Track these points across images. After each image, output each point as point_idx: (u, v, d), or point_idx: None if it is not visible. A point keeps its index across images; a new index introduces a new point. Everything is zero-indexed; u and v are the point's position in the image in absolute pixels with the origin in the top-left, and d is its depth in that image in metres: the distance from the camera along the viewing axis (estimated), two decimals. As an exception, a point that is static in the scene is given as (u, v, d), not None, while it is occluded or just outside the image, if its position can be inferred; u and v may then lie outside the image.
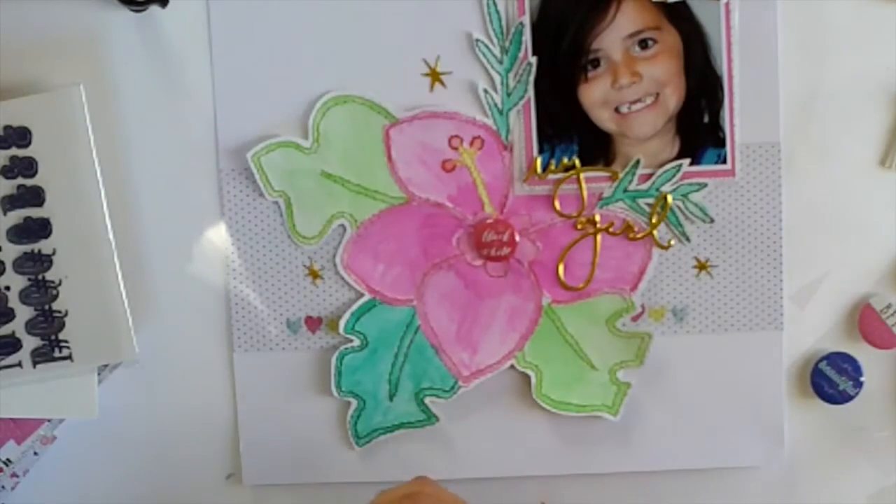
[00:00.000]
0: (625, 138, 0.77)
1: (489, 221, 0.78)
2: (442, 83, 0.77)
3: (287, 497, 0.82)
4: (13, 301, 0.75)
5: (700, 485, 0.81)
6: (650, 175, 0.78)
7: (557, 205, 0.78)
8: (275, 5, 0.77)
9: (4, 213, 0.75)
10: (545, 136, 0.78)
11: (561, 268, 0.79)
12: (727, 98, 0.77)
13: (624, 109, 0.77)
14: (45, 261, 0.75)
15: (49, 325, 0.76)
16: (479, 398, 0.80)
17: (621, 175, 0.78)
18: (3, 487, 0.79)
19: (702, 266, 0.79)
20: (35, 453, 0.79)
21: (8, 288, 0.75)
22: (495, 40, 0.77)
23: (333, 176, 0.78)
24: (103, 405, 0.78)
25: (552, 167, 0.77)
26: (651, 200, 0.78)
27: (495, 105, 0.77)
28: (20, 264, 0.75)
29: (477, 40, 0.77)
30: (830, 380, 0.79)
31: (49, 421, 0.78)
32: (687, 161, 0.77)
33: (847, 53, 0.77)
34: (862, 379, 0.79)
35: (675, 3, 0.76)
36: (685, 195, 0.78)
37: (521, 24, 0.76)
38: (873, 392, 0.80)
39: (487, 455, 0.81)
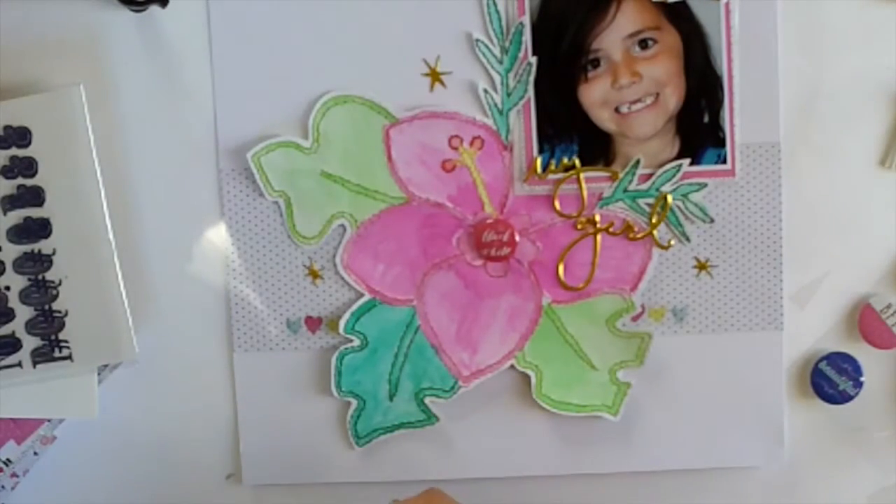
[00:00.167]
0: (625, 138, 0.77)
1: (489, 221, 0.78)
2: (442, 83, 0.78)
3: (287, 497, 0.82)
4: (13, 301, 0.75)
5: (700, 485, 0.81)
6: (650, 175, 0.78)
7: (557, 205, 0.78)
8: (275, 6, 0.77)
9: (4, 213, 0.75)
10: (545, 136, 0.78)
11: (561, 268, 0.79)
12: (727, 98, 0.77)
13: (624, 109, 0.77)
14: (45, 261, 0.75)
15: (49, 325, 0.76)
16: (479, 398, 0.80)
17: (621, 175, 0.78)
18: (3, 487, 0.79)
19: (702, 266, 0.79)
20: (35, 453, 0.79)
21: (8, 288, 0.75)
22: (495, 40, 0.77)
23: (333, 176, 0.78)
24: (103, 405, 0.78)
25: (552, 167, 0.77)
26: (651, 200, 0.78)
27: (495, 105, 0.77)
28: (20, 264, 0.75)
29: (477, 40, 0.77)
30: (830, 380, 0.79)
31: (49, 421, 0.78)
32: (687, 161, 0.77)
33: (847, 53, 0.77)
34: (862, 379, 0.79)
35: (675, 3, 0.76)
36: (685, 195, 0.78)
37: (521, 24, 0.76)
38: (873, 392, 0.80)
39: (487, 455, 0.81)
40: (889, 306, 0.78)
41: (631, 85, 0.77)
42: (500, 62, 0.77)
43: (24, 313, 0.76)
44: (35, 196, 0.75)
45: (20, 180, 0.75)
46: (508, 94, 0.77)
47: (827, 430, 0.81)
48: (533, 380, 0.79)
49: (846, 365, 0.79)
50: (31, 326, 0.76)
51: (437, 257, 0.79)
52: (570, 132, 0.78)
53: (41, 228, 0.75)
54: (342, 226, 0.79)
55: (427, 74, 0.78)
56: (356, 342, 0.79)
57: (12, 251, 0.75)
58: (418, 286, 0.79)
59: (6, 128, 0.75)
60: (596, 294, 0.79)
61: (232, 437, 0.81)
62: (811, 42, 0.77)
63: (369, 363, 0.80)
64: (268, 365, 0.80)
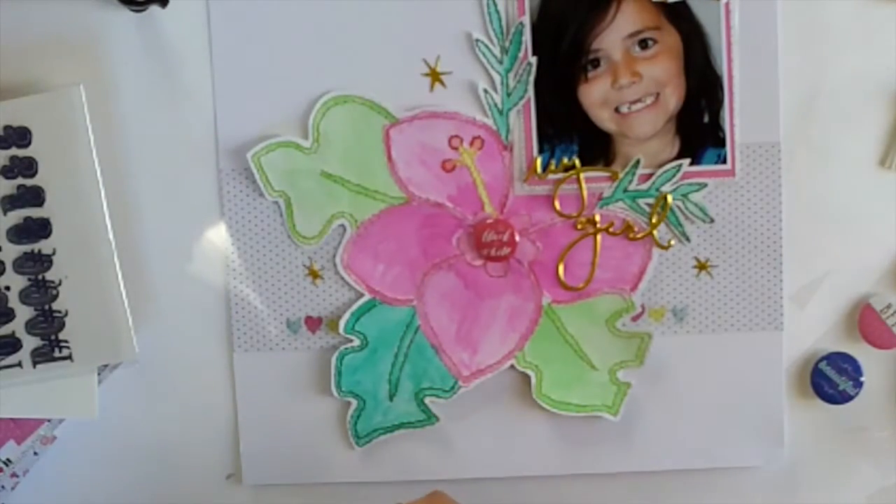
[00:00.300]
0: (625, 138, 0.77)
1: (489, 221, 0.78)
2: (442, 83, 0.78)
3: (287, 497, 0.82)
4: (13, 301, 0.75)
5: (700, 485, 0.81)
6: (650, 175, 0.78)
7: (557, 205, 0.78)
8: (275, 5, 0.77)
9: (4, 213, 0.75)
10: (545, 136, 0.78)
11: (561, 268, 0.79)
12: (727, 98, 0.77)
13: (624, 109, 0.77)
14: (45, 261, 0.75)
15: (49, 325, 0.76)
16: (479, 398, 0.80)
17: (621, 175, 0.78)
18: (3, 487, 0.79)
19: (702, 266, 0.79)
20: (35, 453, 0.79)
21: (8, 288, 0.75)
22: (495, 40, 0.77)
23: (333, 176, 0.78)
24: (103, 405, 0.78)
25: (552, 167, 0.77)
26: (651, 200, 0.78)
27: (495, 105, 0.77)
28: (20, 264, 0.75)
29: (477, 40, 0.77)
30: (830, 380, 0.79)
31: (49, 421, 0.78)
32: (687, 161, 0.77)
33: (847, 53, 0.77)
34: (862, 379, 0.79)
35: (675, 3, 0.76)
36: (685, 195, 0.78)
37: (521, 24, 0.76)
38: (873, 392, 0.80)
39: (487, 455, 0.81)
40: (889, 306, 0.78)
41: (631, 85, 0.77)
42: (500, 62, 0.77)
43: (24, 313, 0.76)
44: (35, 196, 0.75)
45: (20, 180, 0.75)
46: (508, 94, 0.77)
47: (827, 430, 0.81)
48: (533, 380, 0.79)
49: (846, 365, 0.79)
50: (31, 326, 0.76)
51: (437, 257, 0.79)
52: (570, 132, 0.78)
53: (41, 228, 0.75)
54: (342, 226, 0.79)
55: (427, 74, 0.78)
56: (356, 342, 0.79)
57: (12, 251, 0.75)
58: (418, 286, 0.79)
59: (6, 128, 0.75)
60: (596, 294, 0.79)
61: (232, 437, 0.81)
62: (811, 42, 0.77)
63: (369, 363, 0.80)
64: (268, 365, 0.80)
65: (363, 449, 0.81)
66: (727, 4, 0.76)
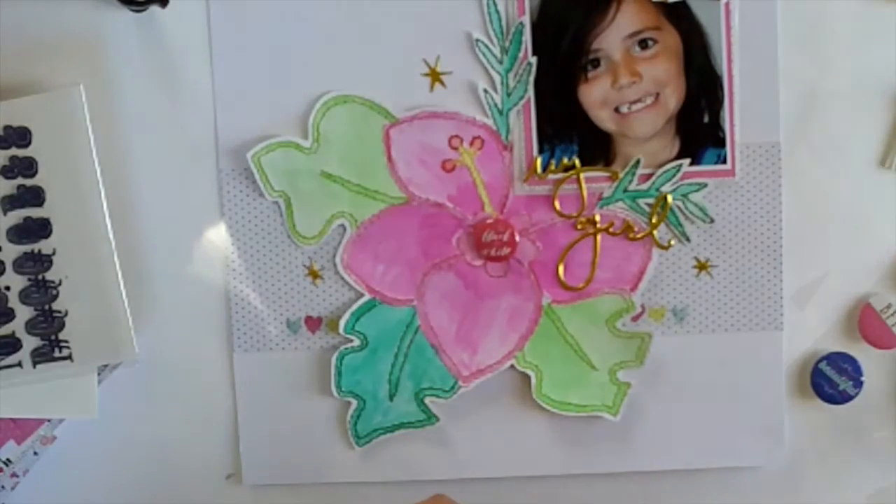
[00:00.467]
0: (625, 138, 0.77)
1: (489, 221, 0.78)
2: (442, 83, 0.78)
3: (287, 497, 0.82)
4: (13, 301, 0.75)
5: (700, 485, 0.81)
6: (650, 175, 0.78)
7: (557, 205, 0.78)
8: (275, 6, 0.77)
9: (4, 213, 0.75)
10: (545, 136, 0.78)
11: (561, 268, 0.79)
12: (727, 98, 0.77)
13: (624, 109, 0.77)
14: (45, 261, 0.75)
15: (49, 325, 0.76)
16: (479, 398, 0.80)
17: (621, 175, 0.78)
18: (3, 487, 0.79)
19: (702, 266, 0.79)
20: (35, 453, 0.79)
21: (8, 288, 0.75)
22: (495, 40, 0.77)
23: (333, 176, 0.78)
24: (103, 405, 0.78)
25: (552, 167, 0.77)
26: (651, 200, 0.78)
27: (495, 105, 0.77)
28: (20, 264, 0.75)
29: (477, 40, 0.77)
30: (830, 380, 0.79)
31: (49, 421, 0.78)
32: (687, 161, 0.77)
33: (847, 53, 0.77)
34: (862, 379, 0.79)
35: (675, 3, 0.76)
36: (685, 195, 0.78)
37: (521, 24, 0.76)
38: (873, 392, 0.80)
39: (487, 455, 0.81)
40: (889, 306, 0.78)
41: (631, 85, 0.77)
42: (500, 62, 0.77)
43: (24, 313, 0.76)
44: (35, 196, 0.75)
45: (20, 180, 0.75)
46: (508, 94, 0.77)
47: (827, 430, 0.81)
48: (533, 380, 0.79)
49: (846, 365, 0.79)
50: (31, 326, 0.76)
51: (437, 257, 0.79)
52: (570, 132, 0.78)
53: (41, 228, 0.75)
54: (342, 226, 0.79)
55: (427, 74, 0.78)
56: (356, 342, 0.79)
57: (12, 251, 0.75)
58: (418, 286, 0.79)
59: (6, 128, 0.75)
60: (596, 294, 0.79)
61: (232, 437, 0.81)
62: (811, 42, 0.77)
63: (369, 363, 0.80)
64: (268, 365, 0.80)
65: (363, 449, 0.81)
66: (727, 4, 0.76)
